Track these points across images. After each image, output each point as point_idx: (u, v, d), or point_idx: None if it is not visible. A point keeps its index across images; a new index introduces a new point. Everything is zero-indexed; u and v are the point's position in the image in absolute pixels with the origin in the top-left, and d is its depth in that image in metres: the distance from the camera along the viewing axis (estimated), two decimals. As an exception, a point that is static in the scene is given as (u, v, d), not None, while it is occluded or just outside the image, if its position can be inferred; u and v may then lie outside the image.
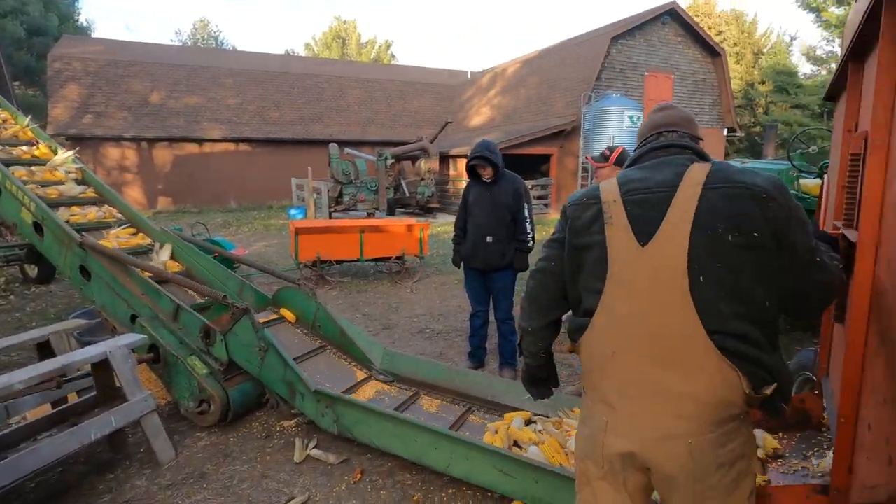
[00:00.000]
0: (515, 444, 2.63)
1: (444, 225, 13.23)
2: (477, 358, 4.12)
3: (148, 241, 4.05)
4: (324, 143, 20.44)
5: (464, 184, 17.87)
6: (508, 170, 3.92)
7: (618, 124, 14.55)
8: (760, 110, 25.22)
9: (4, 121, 4.93)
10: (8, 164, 4.07)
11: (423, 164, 15.97)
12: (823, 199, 2.60)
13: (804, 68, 27.22)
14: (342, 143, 15.83)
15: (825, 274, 1.24)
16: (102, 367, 2.68)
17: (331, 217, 14.35)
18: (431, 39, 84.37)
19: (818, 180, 4.70)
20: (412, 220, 7.27)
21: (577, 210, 1.36)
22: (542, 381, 1.66)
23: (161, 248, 3.87)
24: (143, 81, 19.12)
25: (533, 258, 4.57)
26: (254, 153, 20.09)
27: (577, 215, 1.35)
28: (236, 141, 19.70)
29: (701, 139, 1.41)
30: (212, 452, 2.88)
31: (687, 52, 17.98)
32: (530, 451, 2.51)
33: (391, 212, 16.31)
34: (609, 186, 1.32)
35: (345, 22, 41.68)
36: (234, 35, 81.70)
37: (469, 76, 24.56)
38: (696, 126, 1.42)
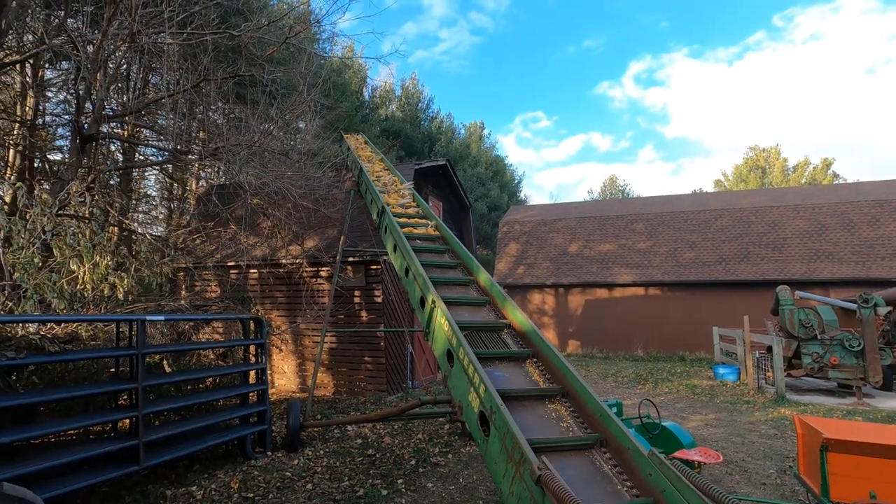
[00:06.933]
0: None
1: None
2: None
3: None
4: (752, 284, 16.84)
5: None
6: None
7: None
8: None
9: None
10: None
11: (950, 315, 10.14)
12: None
13: None
14: (780, 284, 12.00)
15: None
16: None
17: (784, 384, 10.42)
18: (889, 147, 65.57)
19: None
20: None
21: None
22: None
23: None
24: (564, 235, 21.20)
25: None
26: (664, 297, 18.45)
27: None
28: (646, 285, 18.66)
29: None
30: None
31: None
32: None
33: (888, 385, 10.86)
34: None
35: (763, 150, 37.32)
36: (639, 185, 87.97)
37: None
38: None
